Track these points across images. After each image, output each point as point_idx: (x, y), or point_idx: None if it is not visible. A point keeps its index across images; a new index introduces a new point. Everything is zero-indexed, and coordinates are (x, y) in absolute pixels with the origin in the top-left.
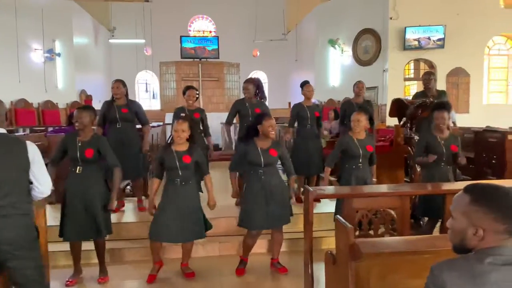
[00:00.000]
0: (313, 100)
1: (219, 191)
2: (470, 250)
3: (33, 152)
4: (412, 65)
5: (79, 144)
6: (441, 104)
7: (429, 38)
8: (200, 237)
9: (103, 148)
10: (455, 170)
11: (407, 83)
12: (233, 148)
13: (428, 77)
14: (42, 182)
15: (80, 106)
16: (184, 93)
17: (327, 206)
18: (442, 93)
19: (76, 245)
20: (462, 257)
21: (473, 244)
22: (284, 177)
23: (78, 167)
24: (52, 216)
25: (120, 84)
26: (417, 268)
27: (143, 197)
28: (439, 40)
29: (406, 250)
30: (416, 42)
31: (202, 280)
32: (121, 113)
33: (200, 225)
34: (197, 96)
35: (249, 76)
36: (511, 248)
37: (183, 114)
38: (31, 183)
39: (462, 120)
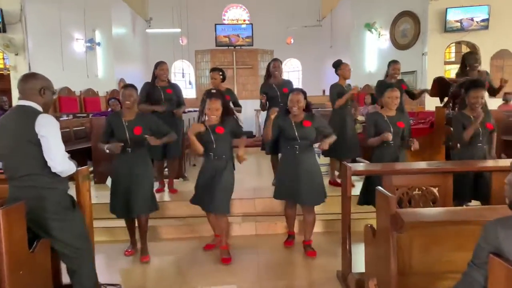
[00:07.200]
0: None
1: (253, 174)
2: None
3: (41, 124)
4: (453, 48)
5: (126, 124)
6: (477, 82)
7: (472, 19)
8: (223, 212)
9: (153, 123)
10: (490, 151)
11: (447, 67)
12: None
13: (474, 56)
14: (52, 157)
15: (125, 84)
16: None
17: None
18: (485, 73)
19: (129, 221)
20: None
21: None
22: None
23: (127, 149)
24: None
25: (167, 66)
26: (463, 240)
27: (176, 180)
28: (483, 21)
29: (451, 220)
30: (458, 24)
31: (239, 254)
32: (166, 93)
33: (226, 201)
34: (221, 76)
35: (283, 63)
36: None
37: (213, 91)
38: None
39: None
